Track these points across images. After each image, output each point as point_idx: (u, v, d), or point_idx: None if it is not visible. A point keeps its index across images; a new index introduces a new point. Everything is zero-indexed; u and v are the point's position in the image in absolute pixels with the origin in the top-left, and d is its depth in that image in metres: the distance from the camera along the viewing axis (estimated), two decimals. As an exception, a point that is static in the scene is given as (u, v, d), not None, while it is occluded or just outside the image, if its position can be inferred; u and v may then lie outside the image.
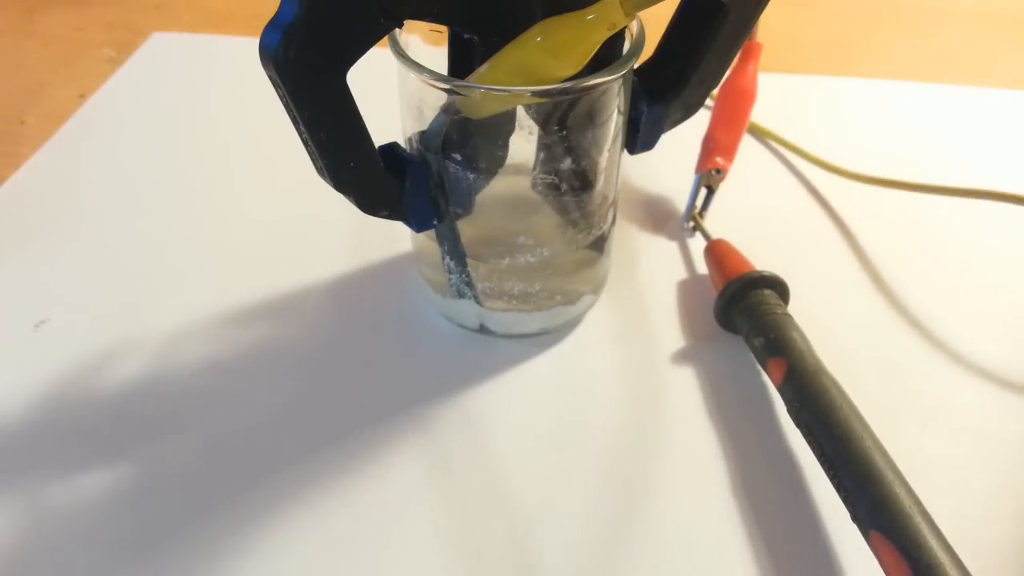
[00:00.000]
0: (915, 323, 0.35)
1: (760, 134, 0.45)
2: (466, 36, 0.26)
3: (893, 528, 0.23)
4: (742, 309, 0.32)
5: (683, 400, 0.31)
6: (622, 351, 0.33)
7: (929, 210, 0.41)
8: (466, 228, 0.29)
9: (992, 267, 0.38)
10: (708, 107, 0.43)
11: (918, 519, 0.23)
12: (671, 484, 0.28)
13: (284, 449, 0.29)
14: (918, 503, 0.24)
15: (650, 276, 0.37)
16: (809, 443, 0.27)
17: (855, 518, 0.25)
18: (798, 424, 0.28)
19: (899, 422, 0.30)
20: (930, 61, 0.55)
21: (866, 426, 0.26)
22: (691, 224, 0.39)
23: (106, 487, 0.28)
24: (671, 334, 0.34)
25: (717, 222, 0.39)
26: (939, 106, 0.49)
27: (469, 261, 0.30)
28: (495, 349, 0.33)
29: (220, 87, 0.50)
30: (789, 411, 0.28)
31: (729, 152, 0.40)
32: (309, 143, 0.25)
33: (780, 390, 0.29)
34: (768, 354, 0.30)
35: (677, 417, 0.31)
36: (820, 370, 0.28)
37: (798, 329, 0.30)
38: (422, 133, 0.27)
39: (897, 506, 0.24)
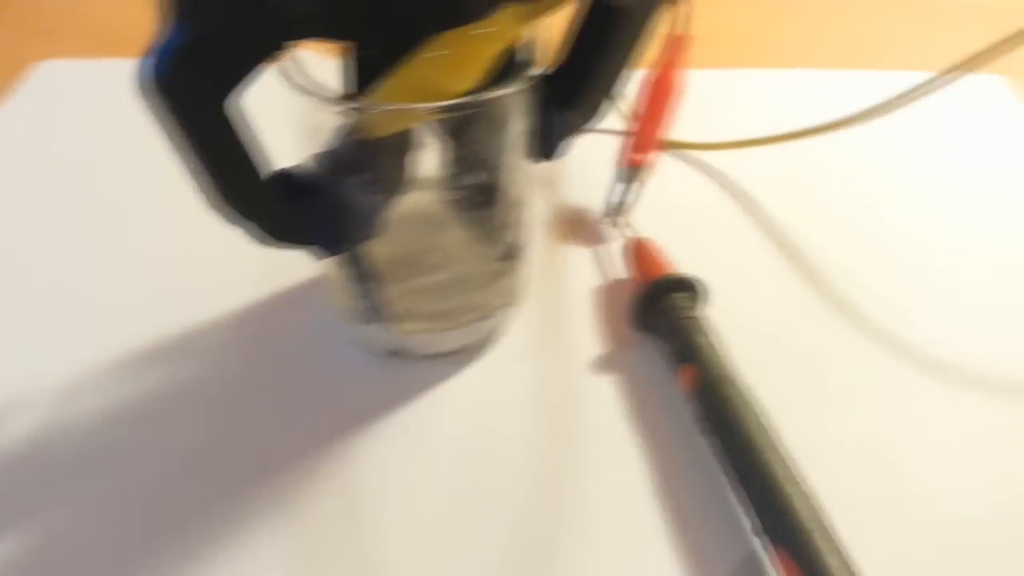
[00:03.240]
0: (838, 313, 0.35)
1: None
2: (361, 53, 0.25)
3: (792, 543, 0.24)
4: (655, 313, 0.31)
5: (603, 408, 0.31)
6: (541, 362, 0.33)
7: (845, 195, 0.42)
8: (373, 250, 0.28)
9: (916, 250, 0.39)
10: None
11: (817, 534, 0.23)
12: (594, 493, 0.28)
13: (194, 499, 0.27)
14: (819, 516, 0.24)
15: (570, 282, 0.36)
16: (716, 453, 0.27)
17: (760, 531, 0.25)
18: (705, 433, 0.28)
19: (818, 414, 0.31)
20: (834, 48, 0.56)
21: (771, 436, 0.26)
22: (613, 221, 0.38)
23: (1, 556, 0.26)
24: (591, 341, 0.34)
25: (638, 219, 0.38)
26: (847, 91, 0.49)
27: (378, 284, 0.29)
28: (412, 371, 0.32)
29: (115, 114, 0.46)
30: (697, 419, 0.28)
31: (651, 147, 0.40)
32: (199, 175, 0.23)
33: (690, 397, 0.29)
34: (678, 360, 0.30)
35: (598, 426, 0.30)
36: (727, 378, 0.28)
37: (709, 333, 0.30)
38: (320, 155, 0.26)
39: (797, 521, 0.24)
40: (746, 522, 0.27)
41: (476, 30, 0.23)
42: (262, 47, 0.22)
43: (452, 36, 0.23)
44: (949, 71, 0.35)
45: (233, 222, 0.24)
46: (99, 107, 0.48)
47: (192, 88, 0.21)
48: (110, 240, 0.38)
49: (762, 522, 0.25)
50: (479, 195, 0.29)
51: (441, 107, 0.24)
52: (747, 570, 0.26)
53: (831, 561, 0.23)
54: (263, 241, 0.25)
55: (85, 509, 0.27)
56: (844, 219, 0.40)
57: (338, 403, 0.31)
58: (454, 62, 0.23)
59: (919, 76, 0.36)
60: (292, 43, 0.22)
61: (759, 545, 0.26)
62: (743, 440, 0.26)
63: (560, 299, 0.36)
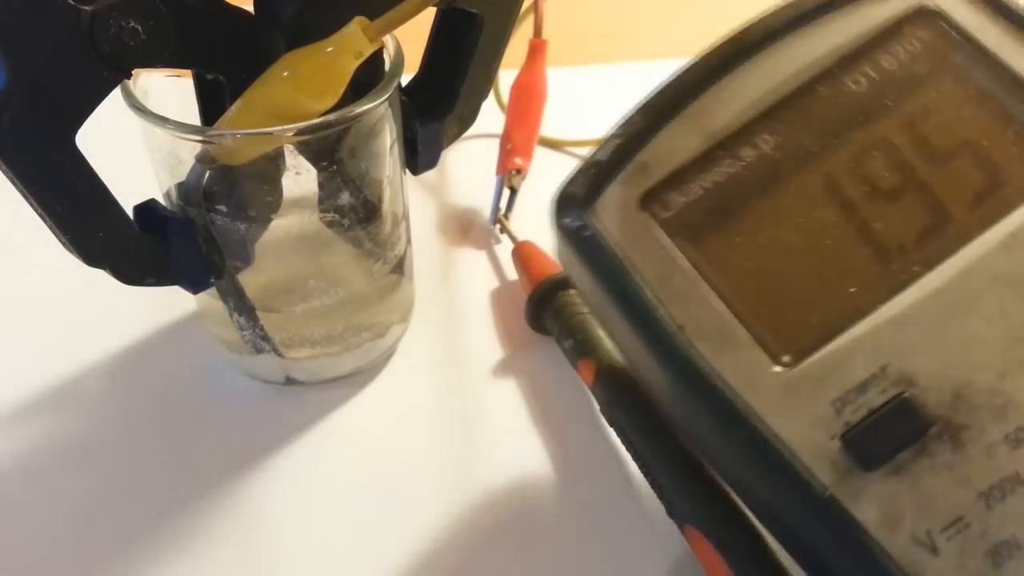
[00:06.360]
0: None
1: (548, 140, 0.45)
2: (210, 77, 0.24)
3: (704, 521, 0.24)
4: (550, 313, 0.31)
5: (507, 414, 0.30)
6: (441, 374, 0.32)
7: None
8: (249, 279, 0.27)
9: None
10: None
11: (728, 510, 0.24)
12: (509, 504, 0.28)
13: (81, 558, 0.26)
14: (727, 492, 0.24)
15: (461, 290, 0.36)
16: (622, 441, 0.27)
17: (670, 513, 0.25)
18: (611, 423, 0.28)
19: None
20: (701, 36, 0.57)
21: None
22: (498, 227, 0.38)
23: None
24: (488, 347, 0.33)
25: (522, 223, 0.38)
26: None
27: (260, 314, 0.28)
28: (307, 400, 0.31)
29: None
30: (602, 411, 0.28)
31: (527, 151, 0.40)
32: (47, 219, 0.22)
33: (592, 391, 0.29)
34: (577, 356, 0.30)
35: (505, 433, 0.30)
36: (626, 367, 0.28)
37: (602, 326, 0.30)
38: (180, 186, 0.25)
39: (707, 499, 0.24)
40: (657, 508, 0.27)
41: (323, 48, 0.22)
42: (97, 82, 0.21)
43: (301, 54, 0.22)
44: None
45: (91, 265, 0.23)
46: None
47: (22, 133, 0.20)
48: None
49: (673, 503, 0.25)
50: (358, 213, 0.28)
51: (301, 128, 0.23)
52: (664, 554, 0.26)
53: (742, 533, 0.23)
54: (127, 281, 0.24)
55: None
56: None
57: (231, 441, 0.29)
58: (305, 81, 0.22)
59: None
60: (131, 72, 0.21)
61: (672, 530, 0.26)
62: (648, 423, 0.26)
63: (454, 308, 0.35)
